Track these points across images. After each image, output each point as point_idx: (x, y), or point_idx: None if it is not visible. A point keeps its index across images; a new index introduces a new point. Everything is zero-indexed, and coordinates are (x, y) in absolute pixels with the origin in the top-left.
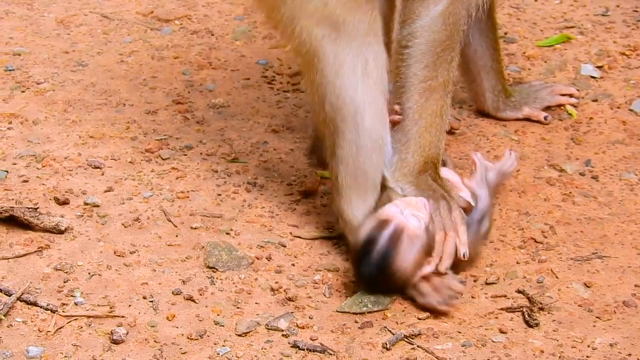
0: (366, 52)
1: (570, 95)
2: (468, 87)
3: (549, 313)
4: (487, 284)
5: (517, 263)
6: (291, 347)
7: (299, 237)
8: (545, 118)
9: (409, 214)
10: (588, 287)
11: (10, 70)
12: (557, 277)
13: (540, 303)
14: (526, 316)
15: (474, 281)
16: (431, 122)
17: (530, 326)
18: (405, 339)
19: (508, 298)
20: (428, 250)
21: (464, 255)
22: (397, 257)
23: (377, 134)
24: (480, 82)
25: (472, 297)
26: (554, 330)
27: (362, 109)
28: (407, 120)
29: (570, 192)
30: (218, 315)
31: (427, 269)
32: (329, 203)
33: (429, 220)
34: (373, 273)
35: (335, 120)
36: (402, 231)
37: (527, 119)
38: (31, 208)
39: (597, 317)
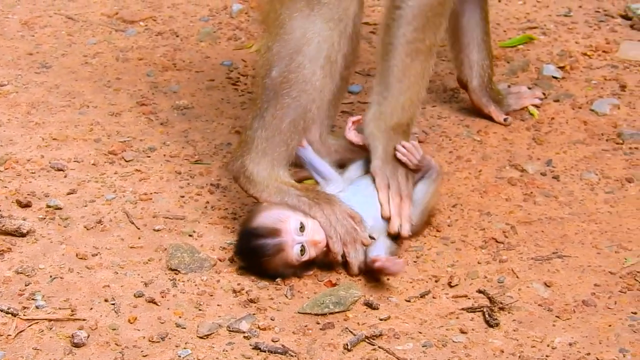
0: (334, 37)
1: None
2: (455, 57)
3: (509, 313)
4: (448, 284)
5: (479, 263)
6: (252, 348)
7: None
8: (505, 120)
9: (305, 237)
10: (548, 286)
11: None
12: (517, 277)
13: (501, 303)
14: (487, 316)
15: (436, 281)
16: (414, 82)
17: (491, 326)
18: (367, 340)
19: (469, 298)
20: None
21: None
22: (270, 260)
23: (311, 116)
24: (469, 54)
25: (434, 298)
26: (514, 330)
27: (310, 89)
28: (391, 78)
29: (532, 192)
30: (180, 317)
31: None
32: None
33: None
34: (246, 256)
35: (277, 88)
36: (283, 250)
37: (490, 119)
38: None
39: (556, 316)
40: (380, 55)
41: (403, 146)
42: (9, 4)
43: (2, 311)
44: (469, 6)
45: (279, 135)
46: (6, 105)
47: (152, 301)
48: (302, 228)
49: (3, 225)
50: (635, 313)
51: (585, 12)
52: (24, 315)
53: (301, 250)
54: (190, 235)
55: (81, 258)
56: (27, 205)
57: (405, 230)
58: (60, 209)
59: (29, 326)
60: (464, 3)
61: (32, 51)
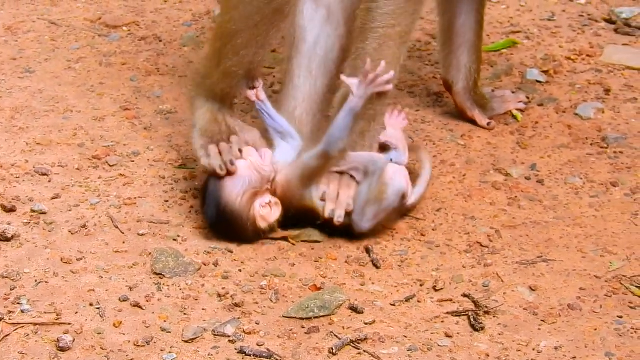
0: None
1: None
2: (444, 58)
3: (494, 317)
4: (433, 288)
5: (463, 267)
6: (238, 352)
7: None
8: (488, 124)
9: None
10: (533, 290)
11: None
12: (502, 281)
13: (486, 307)
14: (472, 320)
15: (420, 285)
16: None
17: (476, 330)
18: (352, 344)
19: (454, 302)
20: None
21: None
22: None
23: None
24: (460, 56)
25: (419, 302)
26: (500, 334)
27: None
28: (360, 62)
29: (516, 196)
30: (165, 321)
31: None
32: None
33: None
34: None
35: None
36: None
37: (474, 123)
38: None
39: (542, 320)
40: (354, 38)
41: None
42: None
43: None
44: (466, 8)
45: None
46: None
47: (137, 305)
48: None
49: None
50: (620, 317)
51: (569, 16)
52: (10, 319)
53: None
54: (174, 240)
55: (66, 262)
56: (11, 210)
57: (337, 217)
58: (45, 213)
59: (15, 330)
60: (460, 4)
61: (15, 56)
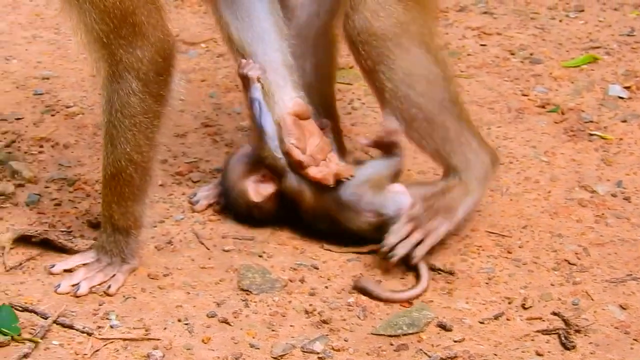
0: None
1: None
2: None
3: (585, 335)
4: (521, 306)
5: (552, 285)
6: None
7: (330, 250)
8: None
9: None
10: (624, 309)
11: (39, 94)
12: (592, 299)
13: (577, 325)
14: (562, 338)
15: (509, 303)
16: None
17: (567, 348)
18: None
19: (543, 320)
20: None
21: None
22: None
23: None
24: None
25: (507, 320)
26: (591, 353)
27: None
28: None
29: (603, 214)
30: (253, 338)
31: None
32: None
33: None
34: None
35: None
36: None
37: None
38: (65, 231)
39: (634, 339)
40: None
41: None
42: (71, 27)
43: (77, 330)
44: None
45: None
46: (73, 127)
47: (225, 321)
48: None
49: (76, 245)
50: None
51: None
52: (99, 334)
53: None
54: (260, 256)
55: (153, 278)
56: (97, 226)
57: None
58: None
59: (104, 345)
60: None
61: (95, 73)
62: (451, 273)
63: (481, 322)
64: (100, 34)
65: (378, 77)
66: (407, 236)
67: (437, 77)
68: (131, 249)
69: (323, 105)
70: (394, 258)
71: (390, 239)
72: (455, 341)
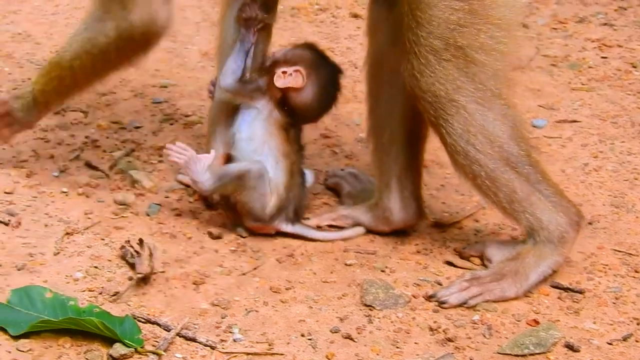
0: None
1: None
2: None
3: None
4: None
5: None
6: None
7: (453, 265)
8: None
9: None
10: None
11: (158, 102)
12: None
13: None
14: None
15: (637, 324)
16: None
17: None
18: None
19: None
20: None
21: None
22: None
23: None
24: None
25: (637, 341)
26: None
27: None
28: None
29: None
30: (377, 354)
31: None
32: (481, 239)
33: None
34: None
35: None
36: None
37: None
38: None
39: None
40: None
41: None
42: (188, 35)
43: (200, 343)
44: None
45: None
46: (192, 136)
47: (348, 337)
48: None
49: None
50: None
51: None
52: (222, 348)
53: None
54: (382, 271)
55: (275, 291)
56: (218, 237)
57: None
58: (251, 241)
59: (228, 359)
60: None
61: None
62: (580, 292)
63: (609, 343)
64: None
65: (439, 131)
66: (464, 290)
67: (501, 135)
68: None
69: None
70: (445, 305)
71: (443, 291)
72: None
